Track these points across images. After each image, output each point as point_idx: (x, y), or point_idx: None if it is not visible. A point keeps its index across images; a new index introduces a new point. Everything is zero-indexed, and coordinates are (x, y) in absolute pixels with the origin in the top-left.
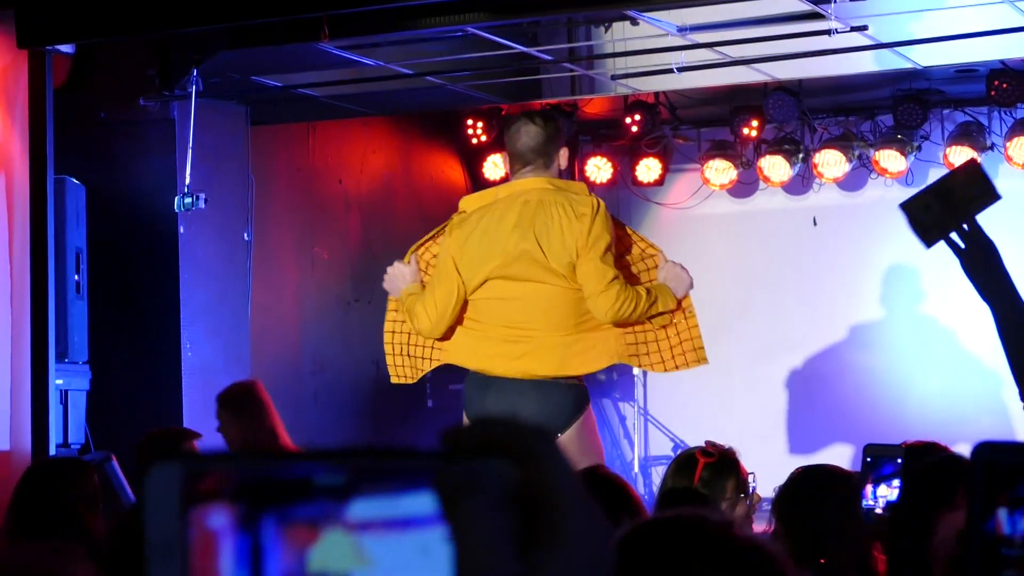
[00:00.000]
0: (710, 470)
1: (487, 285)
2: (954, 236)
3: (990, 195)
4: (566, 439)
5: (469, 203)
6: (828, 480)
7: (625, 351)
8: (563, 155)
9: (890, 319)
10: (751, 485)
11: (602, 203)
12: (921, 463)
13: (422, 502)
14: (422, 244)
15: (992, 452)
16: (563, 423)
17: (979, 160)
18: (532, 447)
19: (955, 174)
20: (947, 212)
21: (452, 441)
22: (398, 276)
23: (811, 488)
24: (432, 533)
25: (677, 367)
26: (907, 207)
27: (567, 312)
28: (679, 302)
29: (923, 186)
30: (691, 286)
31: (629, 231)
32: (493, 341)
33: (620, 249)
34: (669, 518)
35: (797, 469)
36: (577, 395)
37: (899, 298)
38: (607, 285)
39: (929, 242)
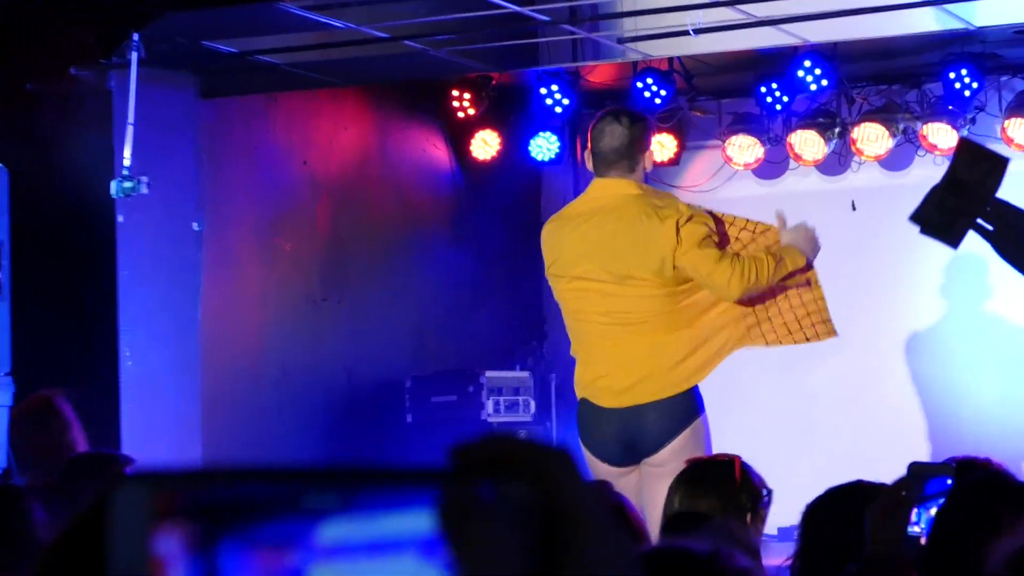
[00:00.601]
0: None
1: (582, 297)
2: (979, 221)
3: (999, 165)
4: (676, 447)
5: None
6: (864, 498)
7: (746, 335)
8: (648, 157)
9: (941, 317)
10: (764, 492)
11: (689, 206)
12: (964, 481)
13: (420, 525)
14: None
15: None
16: (670, 435)
17: (966, 136)
18: (550, 466)
19: (956, 163)
20: (964, 200)
21: (461, 458)
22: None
23: (844, 506)
24: (433, 559)
25: (807, 339)
26: (918, 216)
27: (668, 317)
28: (809, 263)
29: (926, 193)
30: (819, 247)
31: (733, 218)
32: (599, 370)
33: (731, 235)
34: (653, 551)
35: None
36: (688, 403)
37: (952, 293)
38: (716, 263)
39: (956, 241)
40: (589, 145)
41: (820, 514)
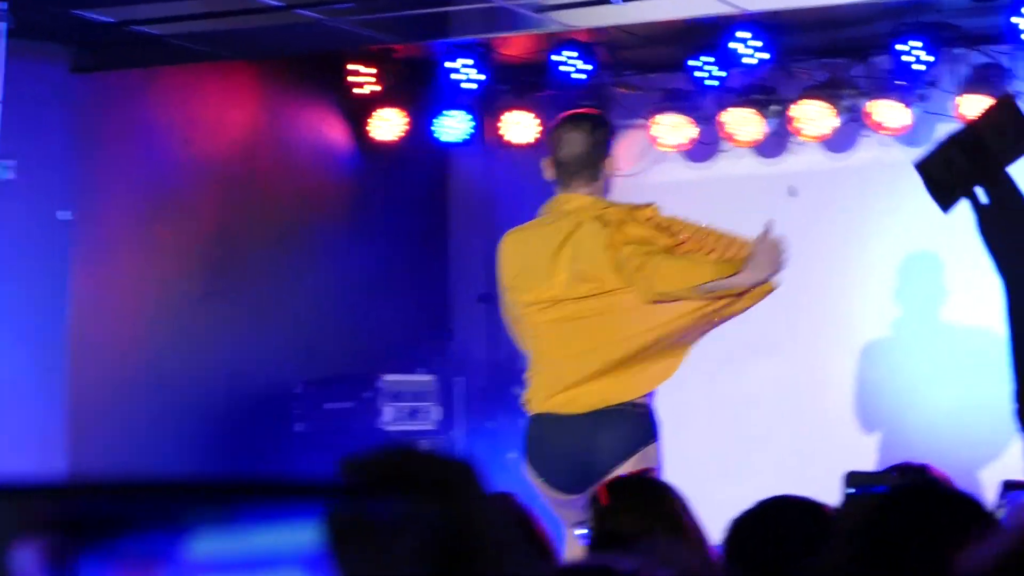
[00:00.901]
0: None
1: (542, 311)
2: (976, 190)
3: None
4: (626, 469)
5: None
6: (793, 515)
7: (714, 315)
8: (611, 162)
9: (890, 316)
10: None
11: (646, 219)
12: (897, 487)
13: (304, 539)
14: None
15: None
16: (623, 454)
17: (1011, 95)
18: (452, 480)
19: (985, 118)
20: (974, 165)
21: (355, 471)
22: None
23: (770, 524)
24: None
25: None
26: (924, 166)
27: (630, 319)
28: (749, 284)
29: (940, 139)
30: (777, 265)
31: (709, 232)
32: (559, 378)
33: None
34: (574, 567)
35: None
36: (644, 424)
37: (902, 289)
38: (619, 270)
39: (949, 204)
40: (550, 153)
41: (746, 531)
